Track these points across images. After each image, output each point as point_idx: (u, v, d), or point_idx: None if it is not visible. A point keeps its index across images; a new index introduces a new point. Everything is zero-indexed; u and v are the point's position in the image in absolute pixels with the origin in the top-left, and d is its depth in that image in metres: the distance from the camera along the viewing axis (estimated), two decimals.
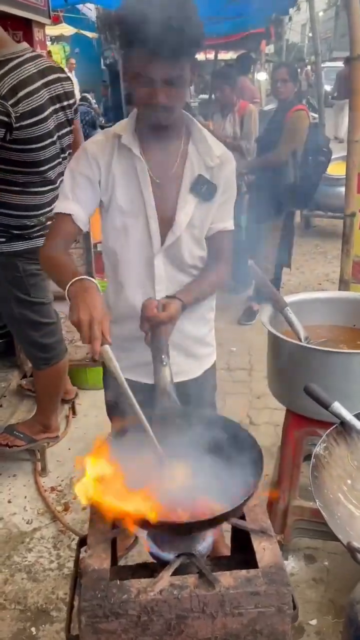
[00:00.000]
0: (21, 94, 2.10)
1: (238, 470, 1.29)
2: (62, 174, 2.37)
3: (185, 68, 1.40)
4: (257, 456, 1.30)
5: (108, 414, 1.97)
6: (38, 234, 2.40)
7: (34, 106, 2.15)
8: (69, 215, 1.58)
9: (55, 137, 2.32)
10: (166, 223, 1.61)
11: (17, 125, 2.10)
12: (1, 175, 2.25)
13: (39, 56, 2.32)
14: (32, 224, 2.37)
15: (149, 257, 1.64)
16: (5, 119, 2.06)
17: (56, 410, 2.77)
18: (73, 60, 11.49)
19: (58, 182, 2.39)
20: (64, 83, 2.38)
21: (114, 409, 1.88)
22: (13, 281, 2.41)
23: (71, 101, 2.43)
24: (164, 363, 1.49)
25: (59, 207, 1.61)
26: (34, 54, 2.27)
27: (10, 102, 2.06)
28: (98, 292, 1.35)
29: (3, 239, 2.36)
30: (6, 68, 2.09)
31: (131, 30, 1.32)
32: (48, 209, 2.38)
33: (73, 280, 1.36)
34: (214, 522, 1.19)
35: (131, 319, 1.70)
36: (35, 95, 2.16)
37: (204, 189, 1.59)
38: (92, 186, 1.59)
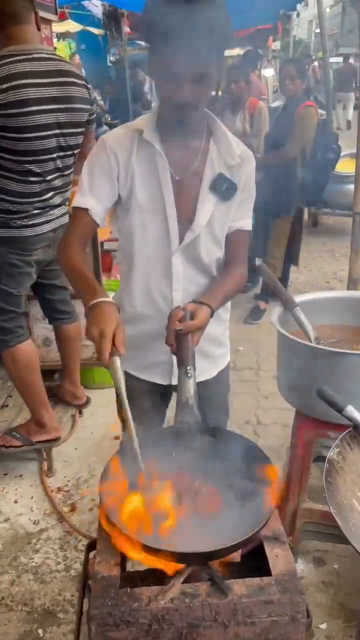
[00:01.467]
0: (11, 84, 2.17)
1: (250, 499, 1.26)
2: (58, 169, 2.46)
3: (212, 65, 1.37)
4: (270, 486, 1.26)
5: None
6: (22, 222, 2.43)
7: (24, 98, 2.21)
8: (86, 209, 1.56)
9: (49, 133, 2.35)
10: (185, 221, 1.58)
11: (1, 112, 2.18)
12: None
13: (52, 58, 2.37)
14: (15, 209, 2.41)
15: (166, 256, 1.61)
16: None
17: (45, 405, 2.72)
18: (78, 59, 11.50)
19: (56, 175, 2.46)
20: (71, 88, 2.41)
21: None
22: None
23: (76, 105, 2.45)
24: (189, 375, 1.44)
25: (77, 201, 1.59)
26: (48, 55, 2.35)
27: None
28: (114, 310, 1.36)
29: None
30: (5, 61, 2.18)
31: (159, 25, 1.29)
32: (36, 199, 2.43)
33: (92, 302, 1.37)
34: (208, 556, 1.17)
35: (147, 318, 1.69)
36: (27, 89, 2.22)
37: (225, 187, 1.57)
38: (110, 180, 1.56)
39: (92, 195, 1.56)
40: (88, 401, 3.12)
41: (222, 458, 1.37)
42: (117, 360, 1.29)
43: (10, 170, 2.33)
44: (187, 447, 1.38)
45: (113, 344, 1.29)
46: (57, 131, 2.38)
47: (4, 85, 2.16)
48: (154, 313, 1.67)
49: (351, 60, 15.79)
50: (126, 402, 1.28)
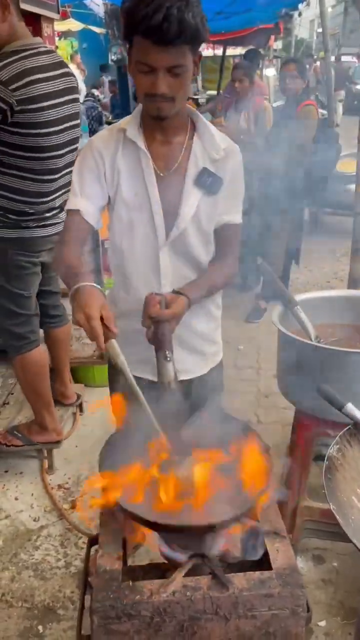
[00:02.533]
0: (26, 80, 2.15)
1: (242, 475, 1.28)
2: (66, 165, 2.43)
3: (187, 58, 1.40)
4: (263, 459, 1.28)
5: (113, 412, 1.96)
6: (35, 224, 2.41)
7: (39, 93, 2.20)
8: (78, 211, 1.59)
9: (63, 127, 2.35)
10: (171, 217, 1.60)
11: (19, 108, 2.15)
12: (4, 159, 2.27)
13: (52, 51, 2.39)
14: (32, 211, 2.38)
15: (154, 251, 1.63)
16: (1, 104, 2.11)
17: (49, 409, 2.73)
18: (79, 58, 11.52)
19: (63, 172, 2.43)
20: (71, 78, 2.43)
21: (119, 406, 1.88)
22: None
23: (76, 95, 2.47)
24: (168, 358, 1.45)
25: (69, 203, 1.62)
26: (47, 49, 2.34)
27: (11, 87, 2.11)
28: (98, 293, 1.36)
29: (0, 224, 2.37)
30: (16, 56, 2.16)
31: (133, 17, 1.33)
32: (50, 198, 2.41)
33: (74, 287, 1.38)
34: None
35: (138, 314, 1.69)
36: (44, 84, 2.22)
37: (209, 181, 1.58)
38: (99, 180, 1.60)
39: (83, 196, 1.60)
40: (78, 399, 3.13)
41: (208, 438, 1.38)
42: (115, 343, 1.30)
43: (27, 170, 2.30)
44: (170, 429, 1.40)
45: (104, 326, 1.30)
46: (68, 124, 2.38)
47: (22, 82, 2.14)
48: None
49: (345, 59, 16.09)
50: (132, 379, 1.33)
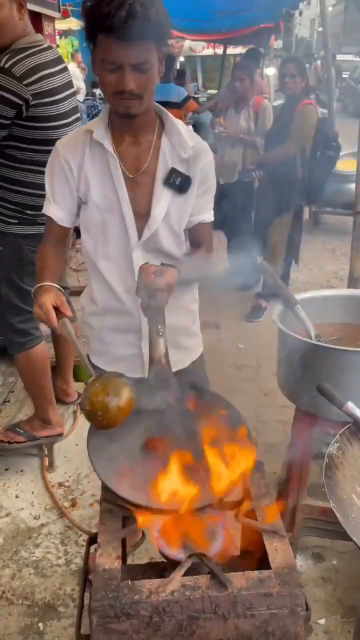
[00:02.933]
0: (38, 75, 2.20)
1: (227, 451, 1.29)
2: None
3: (153, 54, 1.41)
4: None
5: None
6: None
7: (50, 87, 2.24)
8: (50, 217, 1.67)
9: (71, 119, 2.39)
10: (142, 218, 1.61)
11: (34, 102, 2.19)
12: (18, 154, 2.30)
13: (52, 47, 2.43)
14: None
15: (127, 252, 1.64)
16: (16, 99, 2.15)
17: (51, 402, 2.75)
18: (80, 57, 11.49)
19: None
20: (69, 73, 2.46)
21: None
22: (12, 263, 2.44)
23: (74, 89, 2.51)
24: (160, 333, 1.45)
25: (44, 208, 1.70)
26: (48, 45, 2.38)
27: (26, 82, 2.15)
28: (53, 289, 1.51)
29: (15, 221, 2.40)
30: (27, 52, 2.20)
31: (97, 15, 1.35)
32: None
33: (35, 287, 1.54)
34: None
35: (114, 313, 1.73)
36: (53, 78, 2.26)
37: (178, 181, 1.59)
38: (68, 187, 1.63)
39: (55, 202, 1.66)
40: (79, 397, 3.13)
41: (197, 413, 1.39)
42: (67, 321, 1.43)
43: (41, 164, 2.30)
44: (161, 402, 1.40)
45: (57, 310, 1.44)
46: (74, 117, 2.42)
47: (35, 77, 2.18)
48: (120, 308, 1.71)
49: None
50: (81, 349, 1.46)
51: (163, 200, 1.59)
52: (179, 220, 1.64)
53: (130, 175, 1.58)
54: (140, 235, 1.62)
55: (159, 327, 1.45)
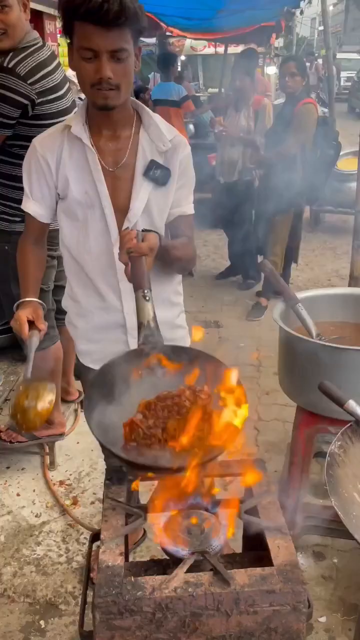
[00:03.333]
0: (41, 73, 2.21)
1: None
2: None
3: (129, 43, 1.42)
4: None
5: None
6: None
7: (52, 84, 2.26)
8: (29, 213, 1.70)
9: (71, 115, 2.35)
10: (122, 212, 1.61)
11: (39, 100, 2.20)
12: (23, 152, 2.26)
13: (45, 43, 2.43)
14: None
15: (108, 247, 1.64)
16: (22, 99, 2.16)
17: (57, 404, 2.75)
18: None
19: None
20: (63, 68, 2.47)
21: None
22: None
23: (69, 84, 2.51)
24: (147, 298, 1.41)
25: (23, 204, 1.71)
26: (42, 41, 2.39)
27: (30, 80, 2.16)
28: (35, 304, 1.67)
29: (19, 219, 2.38)
30: (28, 52, 2.22)
31: (73, 2, 1.36)
32: None
33: (17, 303, 1.67)
34: None
35: (98, 310, 1.73)
36: (53, 75, 2.28)
37: (158, 173, 1.59)
38: (46, 183, 1.64)
39: (33, 199, 1.68)
40: (80, 396, 3.13)
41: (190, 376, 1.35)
42: (35, 333, 1.59)
43: None
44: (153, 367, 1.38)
45: (31, 324, 1.58)
46: (74, 111, 2.40)
47: (38, 75, 2.19)
48: (104, 305, 1.71)
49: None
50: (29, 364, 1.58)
51: (143, 192, 1.59)
52: (159, 213, 1.64)
53: (110, 169, 1.58)
54: (120, 230, 1.60)
55: (145, 291, 1.42)
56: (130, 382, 1.37)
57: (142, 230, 1.48)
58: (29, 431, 1.38)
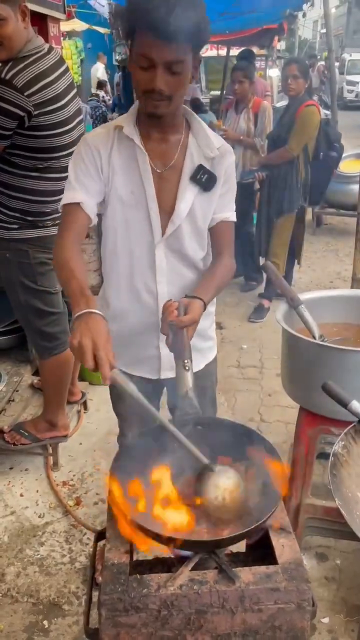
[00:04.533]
0: (40, 84, 2.18)
1: (260, 484, 1.29)
2: None
3: (187, 56, 1.42)
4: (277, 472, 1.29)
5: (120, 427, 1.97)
6: (51, 223, 2.43)
7: (52, 95, 2.23)
8: (77, 204, 1.55)
9: (73, 124, 2.38)
10: (167, 213, 1.62)
11: (37, 112, 2.18)
12: (20, 162, 2.30)
13: (53, 48, 2.41)
14: (49, 210, 2.41)
15: (150, 248, 1.65)
16: (18, 111, 2.15)
17: (62, 406, 2.76)
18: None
19: None
20: (69, 73, 2.45)
21: (124, 421, 1.91)
22: (21, 268, 2.45)
23: (75, 90, 2.49)
24: (187, 368, 1.46)
25: (66, 197, 1.58)
26: (49, 47, 2.36)
27: (27, 92, 2.14)
28: (104, 324, 1.30)
29: (16, 226, 2.41)
30: (27, 62, 2.18)
31: (138, 11, 1.37)
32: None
33: (84, 311, 1.30)
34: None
35: (133, 312, 1.73)
36: (54, 85, 2.25)
37: (205, 178, 1.61)
38: (96, 173, 1.59)
39: (81, 189, 1.57)
40: (83, 396, 3.15)
41: (226, 449, 1.38)
42: (119, 372, 1.25)
43: (42, 170, 2.33)
44: (190, 438, 1.37)
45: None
46: (76, 121, 2.41)
47: (37, 86, 2.17)
48: (139, 307, 1.71)
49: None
50: (147, 403, 1.28)
51: (188, 195, 1.61)
52: (203, 217, 1.66)
53: (158, 171, 1.60)
54: (163, 232, 1.62)
55: (185, 361, 1.46)
56: (161, 454, 1.37)
57: (186, 296, 1.52)
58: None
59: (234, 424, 1.49)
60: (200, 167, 1.60)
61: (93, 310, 1.30)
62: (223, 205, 1.69)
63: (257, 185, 4.50)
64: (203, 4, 1.40)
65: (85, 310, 1.30)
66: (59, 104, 2.25)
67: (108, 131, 1.61)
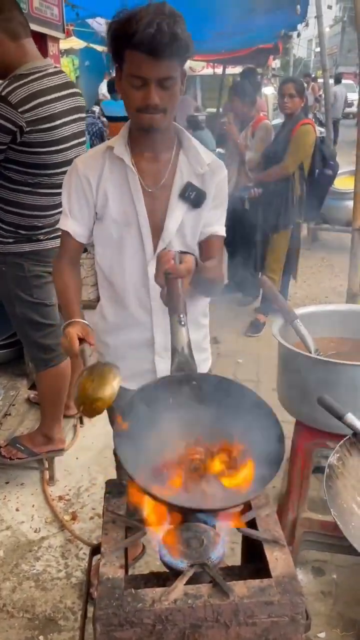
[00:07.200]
0: (35, 102, 2.22)
1: (254, 446, 1.28)
2: None
3: (176, 71, 1.47)
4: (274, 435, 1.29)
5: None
6: (45, 237, 2.47)
7: (47, 114, 2.27)
8: (68, 232, 1.70)
9: (69, 144, 2.41)
10: (157, 231, 1.65)
11: (29, 129, 2.22)
12: (13, 176, 2.33)
13: (61, 72, 2.45)
14: (41, 224, 2.45)
15: (142, 266, 1.68)
16: (11, 126, 2.18)
17: (59, 420, 2.77)
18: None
19: None
20: (78, 97, 2.49)
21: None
22: (17, 281, 2.48)
23: (82, 114, 2.54)
24: (182, 323, 1.40)
25: (61, 223, 1.73)
26: (56, 69, 2.41)
27: (21, 109, 2.18)
28: (82, 324, 1.58)
29: (11, 240, 2.44)
30: (25, 80, 2.22)
31: (126, 32, 1.40)
32: (58, 210, 2.45)
33: (66, 323, 1.59)
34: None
35: (128, 327, 1.76)
36: (54, 104, 2.29)
37: (193, 195, 1.64)
38: (86, 203, 1.67)
39: (72, 218, 1.69)
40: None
41: (222, 407, 1.35)
42: (86, 348, 1.50)
43: (35, 185, 2.36)
44: (186, 395, 1.37)
45: (83, 340, 1.51)
46: (74, 142, 2.44)
47: (32, 103, 2.20)
48: (134, 322, 1.74)
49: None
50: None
51: (177, 212, 1.64)
52: (192, 233, 1.68)
53: (149, 190, 1.63)
54: (155, 249, 1.65)
55: (181, 315, 1.41)
56: (160, 410, 1.35)
57: (180, 252, 1.48)
58: (92, 417, 1.38)
59: (229, 380, 1.43)
60: (189, 185, 1.63)
61: (72, 320, 1.59)
62: (213, 220, 1.71)
63: (247, 204, 4.52)
64: (183, 19, 1.45)
65: (66, 322, 1.60)
66: (53, 124, 2.28)
67: (99, 153, 1.66)
